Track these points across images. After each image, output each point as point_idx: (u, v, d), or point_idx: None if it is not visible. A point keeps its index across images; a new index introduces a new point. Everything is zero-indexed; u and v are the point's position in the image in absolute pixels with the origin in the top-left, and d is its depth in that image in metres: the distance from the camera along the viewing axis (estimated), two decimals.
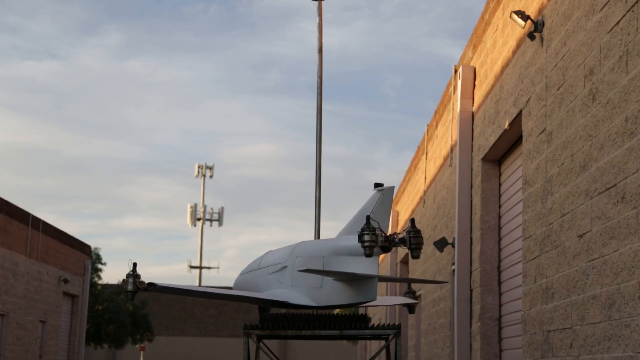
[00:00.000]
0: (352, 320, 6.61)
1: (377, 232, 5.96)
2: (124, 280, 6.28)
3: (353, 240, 6.31)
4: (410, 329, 21.30)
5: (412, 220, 6.24)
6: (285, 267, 6.85)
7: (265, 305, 7.23)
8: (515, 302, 11.08)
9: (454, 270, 13.96)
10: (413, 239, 6.09)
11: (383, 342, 6.76)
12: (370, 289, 6.30)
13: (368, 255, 6.00)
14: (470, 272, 13.06)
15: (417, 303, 7.69)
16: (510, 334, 11.55)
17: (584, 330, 7.60)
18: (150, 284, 6.30)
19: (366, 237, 5.94)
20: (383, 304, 7.57)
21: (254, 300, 6.86)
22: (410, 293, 7.67)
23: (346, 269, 6.33)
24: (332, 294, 6.50)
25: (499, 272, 12.18)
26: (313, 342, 48.97)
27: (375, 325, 6.66)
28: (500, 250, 12.22)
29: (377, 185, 6.53)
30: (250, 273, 7.32)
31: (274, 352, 7.22)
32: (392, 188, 6.55)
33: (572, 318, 7.94)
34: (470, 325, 12.97)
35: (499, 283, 12.18)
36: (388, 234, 6.07)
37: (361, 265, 6.29)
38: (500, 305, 12.10)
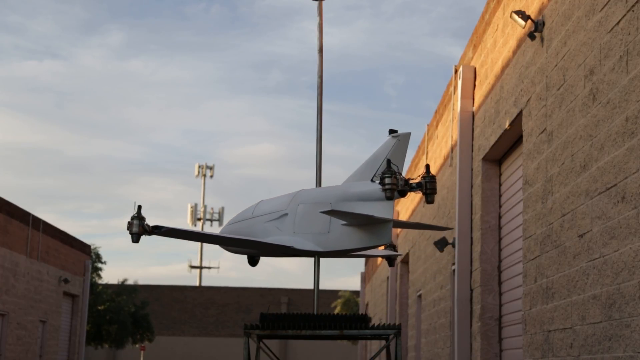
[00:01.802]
0: (352, 320, 6.59)
1: (397, 175, 6.02)
2: (128, 222, 6.18)
3: (365, 186, 6.33)
4: (410, 329, 21.30)
5: (427, 167, 6.32)
6: (286, 214, 6.74)
7: (266, 252, 7.00)
8: (516, 302, 11.08)
9: (454, 270, 13.95)
10: (429, 184, 6.17)
11: (383, 342, 6.74)
12: (385, 232, 6.28)
13: (389, 198, 6.05)
14: (471, 272, 13.06)
15: (400, 255, 7.66)
16: (510, 333, 11.55)
17: (584, 330, 7.60)
18: (156, 227, 6.24)
19: (387, 180, 6.00)
20: (365, 254, 7.42)
21: (259, 245, 6.70)
22: (391, 246, 7.65)
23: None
24: (341, 239, 6.44)
25: (499, 272, 12.17)
26: (313, 342, 48.95)
27: (375, 325, 6.64)
28: (500, 250, 12.22)
29: (392, 131, 6.50)
30: (243, 222, 7.11)
31: (274, 352, 7.17)
32: (409, 134, 6.51)
33: (573, 318, 7.94)
34: (471, 325, 12.96)
35: (499, 283, 12.18)
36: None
37: (374, 210, 6.26)
38: (500, 305, 12.10)
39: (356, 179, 6.57)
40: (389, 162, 6.10)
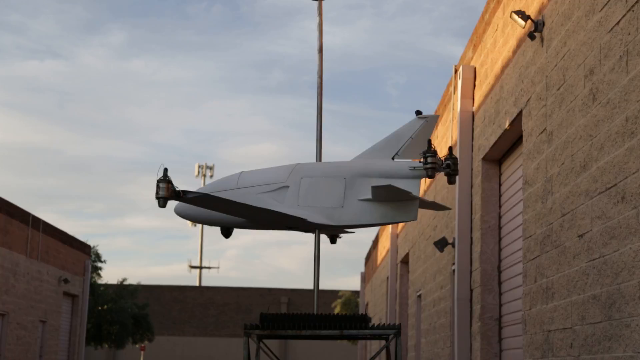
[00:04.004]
0: (352, 320, 6.59)
1: (437, 156, 6.22)
2: (156, 186, 5.93)
3: (390, 163, 6.43)
4: (410, 329, 21.30)
5: (450, 149, 6.50)
6: (286, 186, 6.64)
7: (264, 224, 6.75)
8: (516, 302, 11.08)
9: (454, 270, 13.95)
10: (453, 165, 6.36)
11: (383, 342, 6.74)
12: (412, 209, 6.40)
13: (430, 177, 6.28)
14: (471, 272, 13.05)
15: (352, 232, 7.52)
16: (510, 334, 11.55)
17: (584, 330, 7.59)
18: (184, 192, 6.02)
19: (430, 159, 6.20)
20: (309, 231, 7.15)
21: (269, 214, 6.44)
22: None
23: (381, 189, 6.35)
24: (359, 214, 6.45)
25: (499, 272, 12.17)
26: (313, 342, 48.95)
27: (375, 325, 6.64)
28: (500, 250, 12.22)
29: (418, 112, 6.60)
30: (226, 192, 6.78)
31: (274, 352, 7.14)
32: (437, 117, 6.68)
33: (573, 318, 7.93)
34: (471, 325, 12.96)
35: (499, 283, 12.17)
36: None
37: (402, 187, 6.32)
38: (500, 305, 12.09)
39: (374, 156, 6.58)
40: (429, 141, 6.28)
